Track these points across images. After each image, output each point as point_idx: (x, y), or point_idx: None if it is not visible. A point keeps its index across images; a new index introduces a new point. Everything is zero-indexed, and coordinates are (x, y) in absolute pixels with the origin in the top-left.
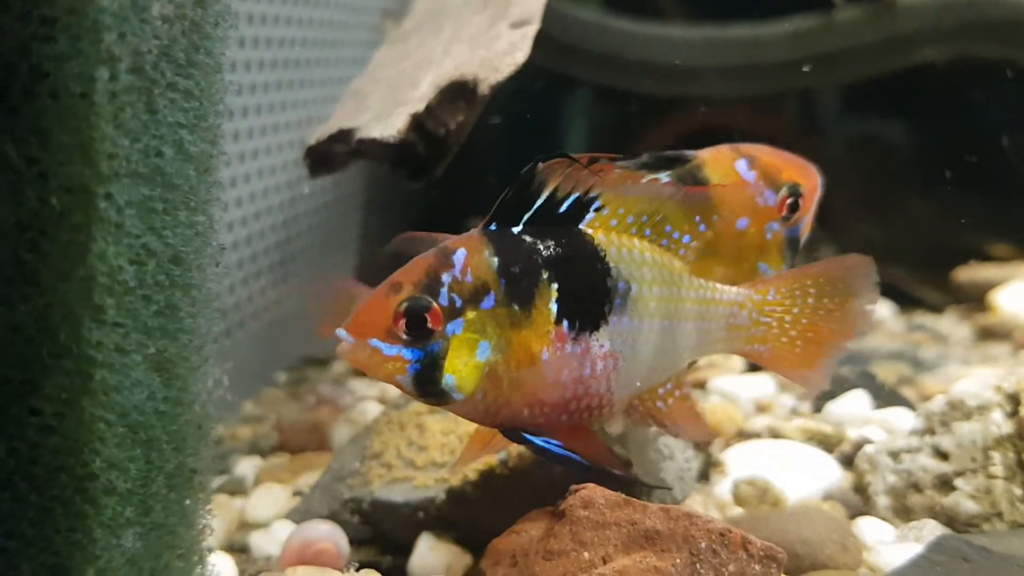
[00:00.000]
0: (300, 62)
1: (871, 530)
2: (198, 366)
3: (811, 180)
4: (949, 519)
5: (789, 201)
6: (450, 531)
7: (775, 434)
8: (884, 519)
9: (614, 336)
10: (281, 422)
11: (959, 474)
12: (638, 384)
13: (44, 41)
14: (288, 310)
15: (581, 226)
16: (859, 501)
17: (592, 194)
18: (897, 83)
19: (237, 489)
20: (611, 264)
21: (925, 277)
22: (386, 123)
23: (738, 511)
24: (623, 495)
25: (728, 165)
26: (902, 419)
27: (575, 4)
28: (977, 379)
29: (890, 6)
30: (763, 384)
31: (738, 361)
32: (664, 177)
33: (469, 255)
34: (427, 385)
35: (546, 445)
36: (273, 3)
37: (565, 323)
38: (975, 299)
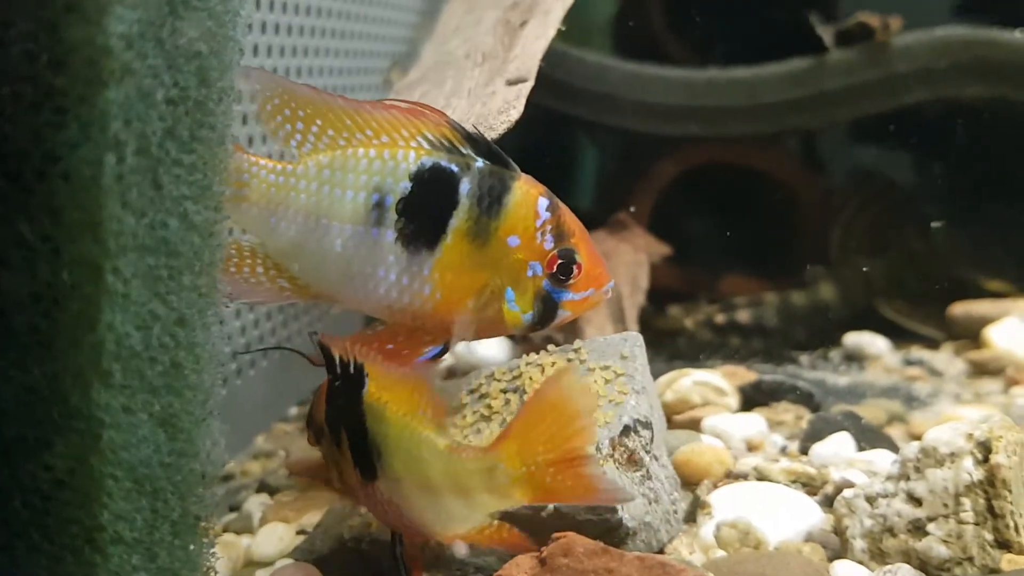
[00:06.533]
0: None
1: (847, 573)
2: (203, 419)
3: (597, 276)
4: (922, 563)
5: (559, 262)
6: (443, 571)
7: (761, 476)
8: (860, 562)
9: None
10: (289, 458)
11: (931, 519)
12: None
13: (56, 128)
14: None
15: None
16: (838, 543)
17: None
18: (894, 121)
19: (244, 527)
20: None
21: (922, 312)
22: None
23: (721, 553)
24: (601, 544)
25: (533, 196)
26: (885, 460)
27: (578, 47)
28: (949, 427)
29: (883, 46)
30: (755, 422)
31: (731, 399)
32: (479, 162)
33: None
34: None
35: None
36: (284, 56)
37: None
38: (970, 334)
